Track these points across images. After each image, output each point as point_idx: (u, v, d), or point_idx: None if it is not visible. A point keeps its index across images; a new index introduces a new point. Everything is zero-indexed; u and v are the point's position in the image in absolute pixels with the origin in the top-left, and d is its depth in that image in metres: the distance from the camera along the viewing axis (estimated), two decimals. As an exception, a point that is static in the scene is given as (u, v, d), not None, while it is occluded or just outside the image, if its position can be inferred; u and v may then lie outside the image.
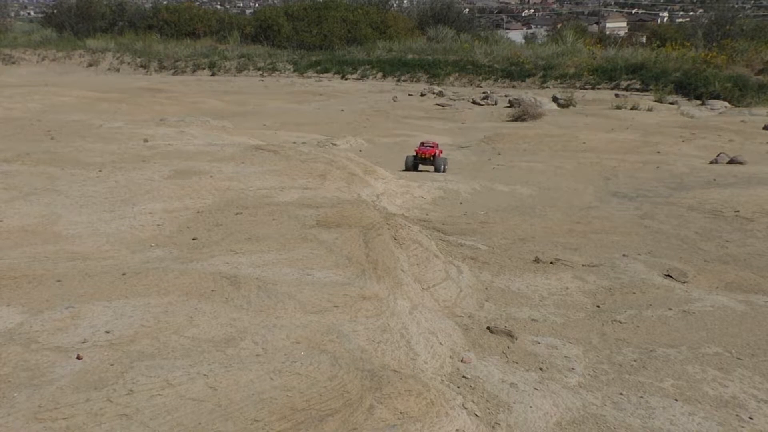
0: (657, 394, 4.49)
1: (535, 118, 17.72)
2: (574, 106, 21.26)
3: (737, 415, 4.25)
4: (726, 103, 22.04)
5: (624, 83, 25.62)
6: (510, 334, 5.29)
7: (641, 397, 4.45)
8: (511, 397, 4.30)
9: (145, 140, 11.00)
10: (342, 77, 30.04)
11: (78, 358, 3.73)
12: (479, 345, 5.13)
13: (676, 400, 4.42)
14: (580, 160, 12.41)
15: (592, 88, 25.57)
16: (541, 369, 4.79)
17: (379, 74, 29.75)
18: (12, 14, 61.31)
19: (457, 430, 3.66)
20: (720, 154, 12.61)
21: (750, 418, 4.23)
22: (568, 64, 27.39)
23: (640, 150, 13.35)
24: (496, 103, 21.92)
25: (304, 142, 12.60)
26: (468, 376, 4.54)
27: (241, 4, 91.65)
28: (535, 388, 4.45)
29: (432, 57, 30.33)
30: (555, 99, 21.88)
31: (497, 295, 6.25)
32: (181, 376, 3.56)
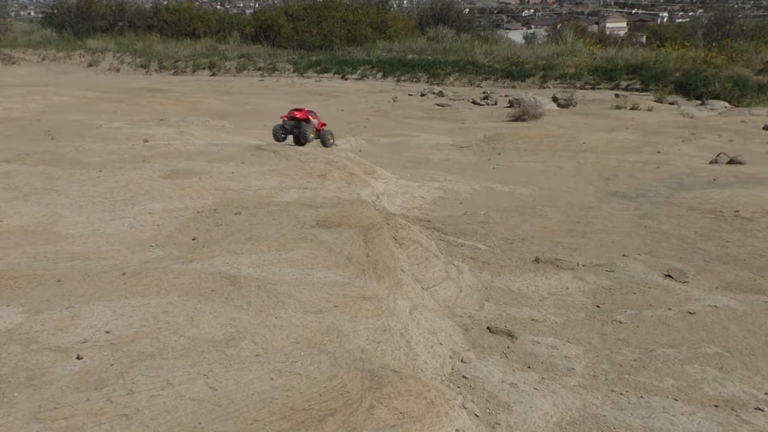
0: (657, 394, 4.48)
1: (535, 118, 17.69)
2: (574, 106, 21.23)
3: (737, 415, 4.25)
4: (726, 103, 21.98)
5: (624, 83, 25.57)
6: (510, 334, 5.30)
7: (641, 397, 4.44)
8: (511, 397, 4.30)
9: (145, 140, 11.01)
10: (342, 77, 30.00)
11: (78, 358, 3.73)
12: (479, 345, 5.13)
13: (676, 400, 4.42)
14: (580, 160, 12.41)
15: (592, 88, 25.54)
16: (541, 369, 4.79)
17: (379, 74, 29.71)
18: (12, 14, 61.32)
19: (457, 430, 3.66)
20: (720, 154, 12.59)
21: (750, 418, 4.23)
22: (568, 64, 27.35)
23: (640, 150, 13.34)
24: (496, 103, 21.88)
25: (304, 142, 12.59)
26: (468, 376, 4.54)
27: (241, 4, 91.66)
28: (535, 388, 4.45)
29: (432, 57, 30.27)
30: (555, 99, 21.84)
31: (497, 295, 6.25)
32: (181, 376, 3.56)
